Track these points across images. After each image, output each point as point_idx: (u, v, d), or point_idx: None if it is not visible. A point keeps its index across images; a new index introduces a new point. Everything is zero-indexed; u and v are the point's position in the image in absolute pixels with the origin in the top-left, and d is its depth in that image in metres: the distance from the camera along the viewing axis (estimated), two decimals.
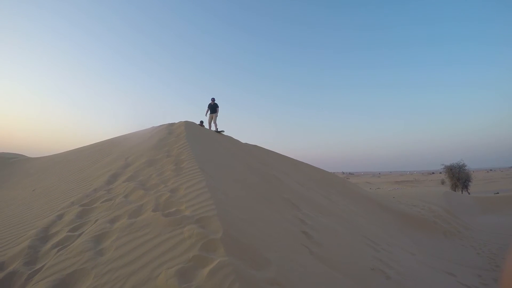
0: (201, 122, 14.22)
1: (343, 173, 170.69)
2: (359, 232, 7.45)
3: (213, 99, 12.96)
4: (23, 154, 20.78)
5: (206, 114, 13.15)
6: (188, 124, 10.86)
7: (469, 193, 34.28)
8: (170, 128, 10.48)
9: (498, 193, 31.32)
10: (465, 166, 37.50)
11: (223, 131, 13.33)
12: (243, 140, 14.08)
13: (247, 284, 2.38)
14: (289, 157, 16.93)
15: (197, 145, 8.08)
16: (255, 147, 14.51)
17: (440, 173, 48.97)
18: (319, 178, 14.64)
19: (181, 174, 5.28)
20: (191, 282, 2.38)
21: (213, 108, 13.05)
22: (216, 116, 13.16)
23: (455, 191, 32.72)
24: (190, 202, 3.98)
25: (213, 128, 13.27)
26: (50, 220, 4.46)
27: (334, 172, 24.26)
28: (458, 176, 36.77)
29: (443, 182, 45.61)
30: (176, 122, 11.78)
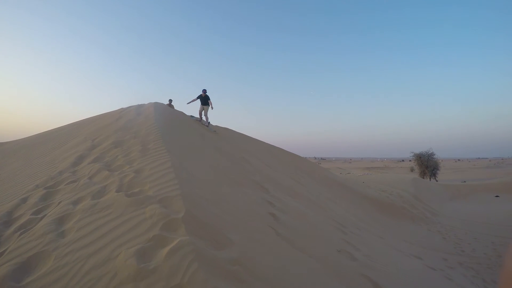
0: (170, 101, 14.34)
1: (315, 158, 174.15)
2: (328, 215, 7.65)
3: (204, 91, 12.18)
4: None
5: (189, 103, 12.45)
6: (157, 105, 10.64)
7: (437, 181, 35.79)
8: (139, 109, 10.26)
9: (465, 181, 32.87)
10: (434, 154, 39.06)
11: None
12: (213, 123, 13.78)
13: (207, 264, 2.39)
14: (261, 141, 16.96)
15: (166, 126, 7.96)
16: (225, 129, 14.40)
17: (410, 160, 50.75)
18: (290, 162, 14.83)
19: (147, 155, 5.23)
20: (150, 262, 2.37)
21: (204, 100, 12.35)
22: (208, 108, 12.52)
23: (423, 178, 34.06)
24: (154, 182, 3.96)
25: (204, 120, 12.84)
26: (14, 204, 4.35)
27: (306, 157, 24.66)
28: (427, 164, 38.27)
29: (412, 169, 47.33)
30: (145, 103, 11.54)
